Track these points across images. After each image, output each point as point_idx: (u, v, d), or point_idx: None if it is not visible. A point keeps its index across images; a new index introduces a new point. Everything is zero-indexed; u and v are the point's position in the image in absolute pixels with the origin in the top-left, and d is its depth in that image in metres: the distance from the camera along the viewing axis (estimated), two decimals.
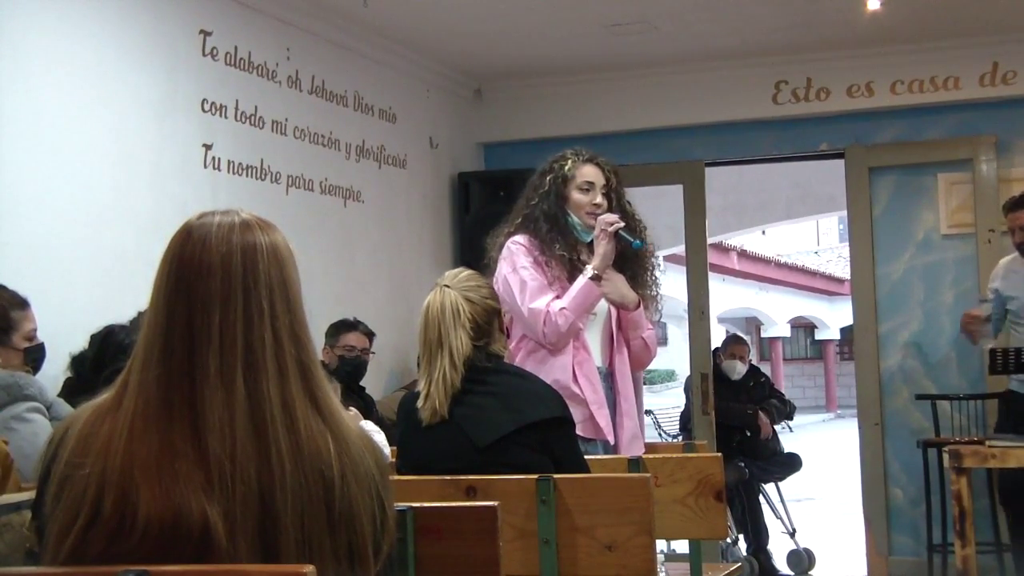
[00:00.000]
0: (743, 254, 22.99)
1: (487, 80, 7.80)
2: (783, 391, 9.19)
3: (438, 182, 7.63)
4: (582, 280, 4.10)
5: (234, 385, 1.70)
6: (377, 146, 6.89)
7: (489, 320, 3.26)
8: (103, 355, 3.75)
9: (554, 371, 3.97)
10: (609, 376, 4.26)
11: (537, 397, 3.19)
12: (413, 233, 7.24)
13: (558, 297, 4.09)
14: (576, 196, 4.26)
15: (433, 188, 7.55)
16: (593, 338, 4.28)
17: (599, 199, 4.25)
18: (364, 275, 6.68)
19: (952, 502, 5.64)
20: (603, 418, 4.11)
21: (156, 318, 1.74)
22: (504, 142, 7.93)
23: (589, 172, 4.31)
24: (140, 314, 1.74)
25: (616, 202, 4.30)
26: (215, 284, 1.74)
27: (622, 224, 4.14)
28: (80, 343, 4.14)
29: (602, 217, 4.17)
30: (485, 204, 7.41)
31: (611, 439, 4.13)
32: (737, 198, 11.07)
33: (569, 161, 4.32)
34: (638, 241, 4.14)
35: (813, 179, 10.36)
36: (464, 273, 3.33)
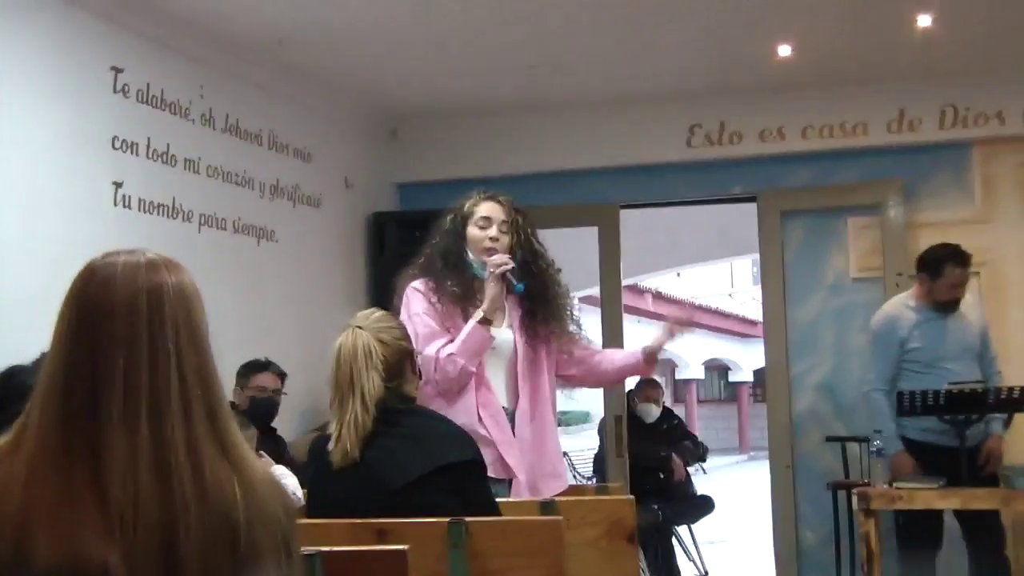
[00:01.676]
0: (658, 296, 23.15)
1: (403, 120, 7.78)
2: (697, 433, 9.24)
3: (353, 222, 7.55)
4: (471, 323, 4.08)
5: (138, 428, 1.65)
6: (292, 185, 6.84)
7: (401, 361, 3.26)
8: (4, 397, 3.61)
9: (458, 414, 3.92)
10: (512, 416, 4.24)
11: (449, 439, 3.18)
12: (326, 273, 7.17)
13: (451, 341, 4.08)
14: (472, 232, 4.26)
15: (348, 228, 7.48)
16: (496, 377, 4.26)
17: (494, 233, 4.23)
18: (276, 315, 6.58)
19: (860, 544, 5.65)
20: (512, 457, 4.09)
21: (57, 359, 1.69)
22: (420, 182, 7.90)
23: (487, 208, 4.31)
24: (43, 355, 1.69)
25: (521, 239, 4.29)
26: (120, 325, 1.69)
27: (510, 265, 4.12)
28: None
29: (491, 259, 4.16)
30: (400, 244, 7.30)
31: (521, 477, 4.12)
32: (652, 240, 11.09)
33: (471, 199, 4.34)
34: (520, 285, 4.10)
35: (727, 222, 10.29)
36: (377, 314, 3.32)
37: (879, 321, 6.17)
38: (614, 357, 4.54)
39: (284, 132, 6.72)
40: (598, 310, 7.69)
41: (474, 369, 4.10)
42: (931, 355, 5.98)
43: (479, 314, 4.11)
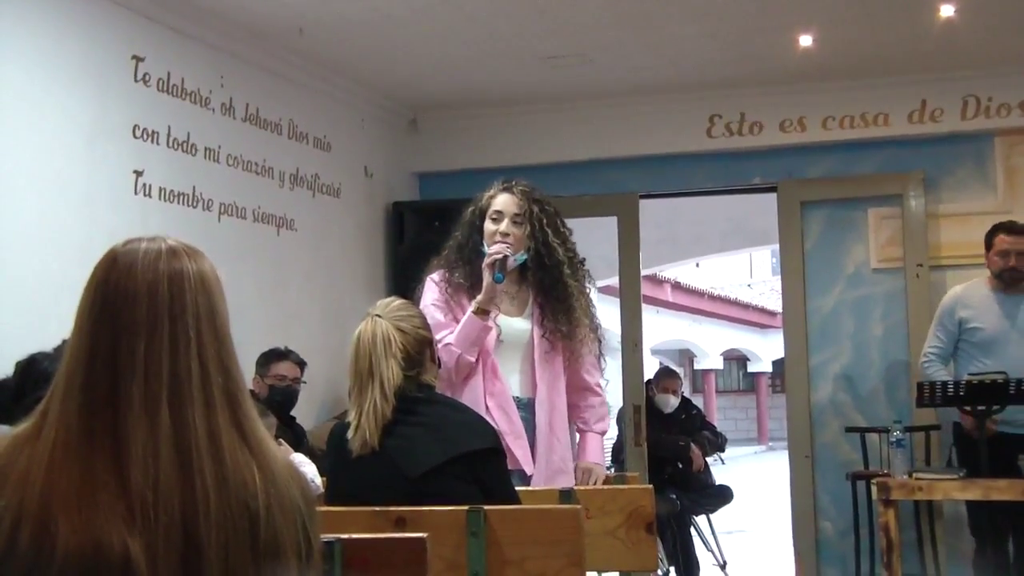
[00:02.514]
0: (677, 286, 22.81)
1: (423, 110, 7.71)
2: (715, 423, 9.23)
3: (372, 211, 7.49)
4: (468, 314, 4.06)
5: (158, 415, 1.65)
6: (311, 174, 6.77)
7: (420, 350, 3.23)
8: (25, 383, 3.65)
9: (464, 402, 3.88)
10: (529, 406, 4.18)
11: (469, 428, 3.16)
12: (346, 262, 7.12)
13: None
14: (487, 226, 4.23)
15: (367, 217, 7.42)
16: (509, 366, 4.22)
17: (504, 227, 4.19)
18: (296, 304, 6.53)
19: (880, 534, 5.66)
20: (520, 448, 4.06)
21: (79, 346, 1.69)
22: (439, 172, 7.83)
23: (501, 201, 4.26)
24: (65, 342, 1.70)
25: (536, 230, 4.22)
26: (140, 312, 1.69)
27: (500, 255, 4.09)
28: (5, 371, 4.02)
29: (487, 251, 4.12)
30: (419, 234, 7.28)
31: (528, 470, 4.06)
32: (671, 230, 11.01)
33: (490, 192, 4.30)
34: (499, 275, 4.08)
35: (747, 212, 10.25)
36: (396, 303, 3.29)
37: (945, 297, 6.22)
38: (584, 432, 4.45)
39: (304, 121, 6.67)
40: (617, 301, 7.65)
41: (472, 358, 4.08)
42: (990, 337, 5.97)
43: (474, 304, 4.09)
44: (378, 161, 7.53)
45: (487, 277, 4.07)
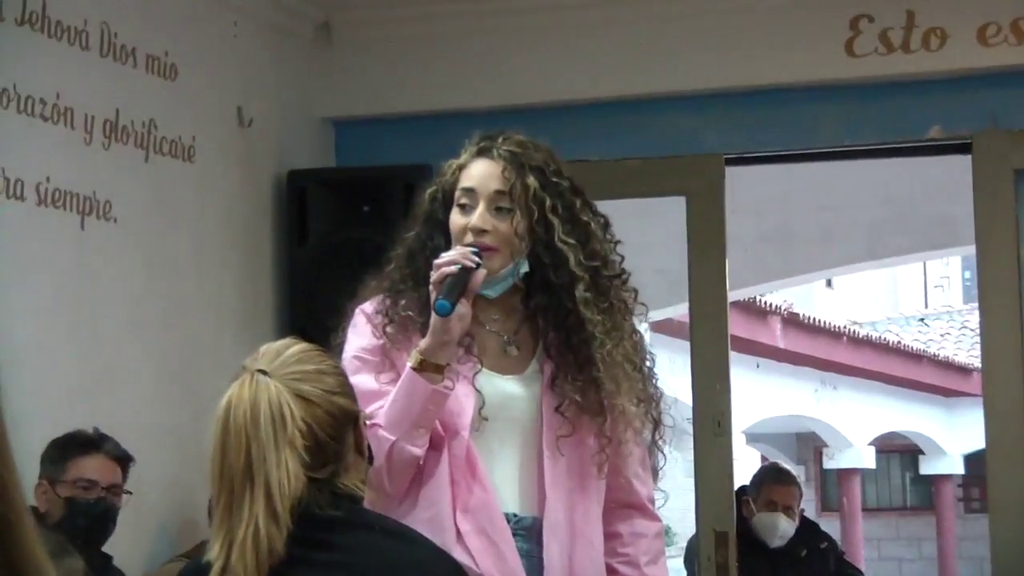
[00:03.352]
0: (792, 322, 19.14)
1: (339, 8, 6.71)
2: (862, 567, 9.00)
3: (252, 186, 6.34)
4: (406, 371, 3.59)
5: None
6: (142, 121, 5.65)
7: (338, 433, 2.77)
8: None
9: (416, 527, 3.26)
10: (533, 531, 3.56)
11: (420, 572, 2.81)
12: (205, 276, 6.06)
13: None
14: (454, 217, 3.63)
15: (243, 197, 6.28)
16: (499, 462, 3.53)
17: (476, 218, 3.50)
18: (115, 350, 5.61)
19: None
20: None
21: None
22: (370, 118, 6.52)
23: (475, 172, 3.57)
24: None
25: (534, 220, 3.42)
26: None
27: (452, 268, 3.42)
28: None
29: (435, 261, 3.56)
30: (336, 226, 6.16)
31: None
32: (781, 224, 9.50)
33: (460, 158, 3.64)
34: (443, 301, 3.37)
35: (915, 191, 9.06)
36: (294, 350, 2.82)
37: None
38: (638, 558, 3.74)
39: (126, 26, 5.63)
40: (684, 345, 6.70)
41: (417, 450, 3.44)
42: None
43: (414, 355, 3.45)
44: (262, 98, 6.41)
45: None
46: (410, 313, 3.61)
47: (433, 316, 3.54)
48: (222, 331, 6.14)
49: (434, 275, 3.54)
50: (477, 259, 3.51)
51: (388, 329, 3.62)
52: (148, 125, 5.71)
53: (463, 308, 3.45)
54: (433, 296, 3.52)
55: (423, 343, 3.58)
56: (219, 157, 6.34)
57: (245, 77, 6.53)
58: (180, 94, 6.04)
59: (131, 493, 5.25)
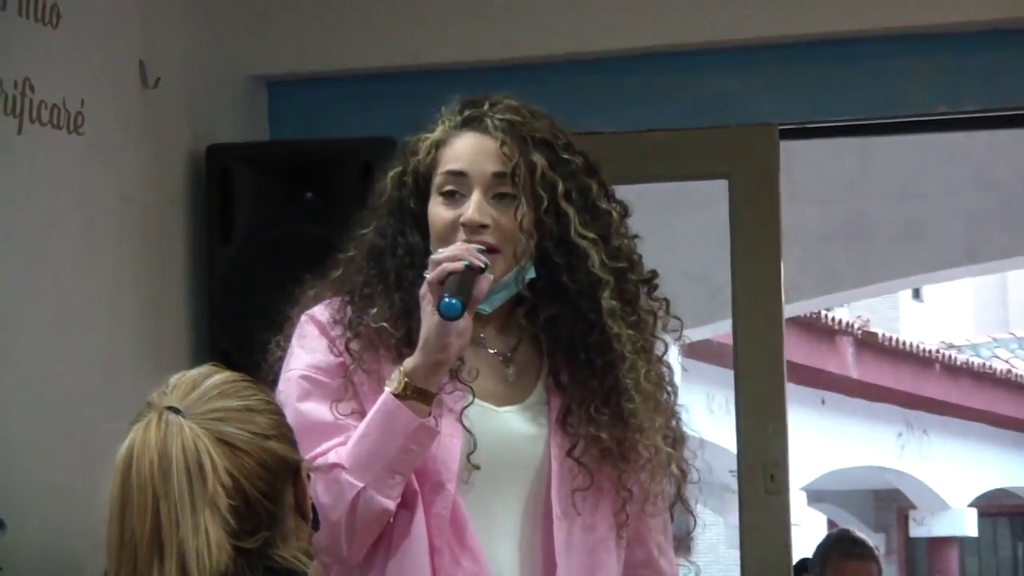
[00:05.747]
0: (867, 343, 17.03)
1: None
2: None
3: (159, 166, 5.38)
4: (383, 397, 3.09)
5: None
6: (13, 81, 4.69)
7: (273, 488, 2.46)
8: None
9: None
10: None
11: None
12: (96, 284, 5.03)
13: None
14: (435, 208, 3.16)
15: (147, 180, 5.30)
16: (495, 521, 3.09)
17: (471, 210, 3.03)
18: None
19: None
20: None
21: None
22: (314, 76, 5.56)
23: (462, 150, 3.12)
24: None
25: (543, 211, 3.00)
26: None
27: (457, 266, 2.97)
28: None
29: (433, 256, 3.11)
30: (269, 218, 5.32)
31: None
32: (854, 215, 8.52)
33: (434, 132, 3.18)
34: (452, 300, 2.92)
35: None
36: (214, 379, 2.52)
37: None
38: None
39: None
40: (727, 375, 5.77)
41: (389, 504, 3.00)
42: None
43: (397, 377, 2.97)
44: (171, 51, 5.44)
45: (427, 312, 2.99)
46: (384, 324, 3.12)
47: (426, 328, 3.00)
48: (118, 356, 5.18)
49: (431, 274, 3.06)
50: (485, 259, 3.02)
51: (352, 345, 3.13)
52: (22, 86, 4.78)
53: (464, 321, 3.02)
54: (429, 302, 3.02)
55: (410, 362, 3.05)
56: (115, 127, 5.34)
57: (149, 24, 5.56)
58: (64, 45, 5.09)
59: (1, 568, 4.60)
